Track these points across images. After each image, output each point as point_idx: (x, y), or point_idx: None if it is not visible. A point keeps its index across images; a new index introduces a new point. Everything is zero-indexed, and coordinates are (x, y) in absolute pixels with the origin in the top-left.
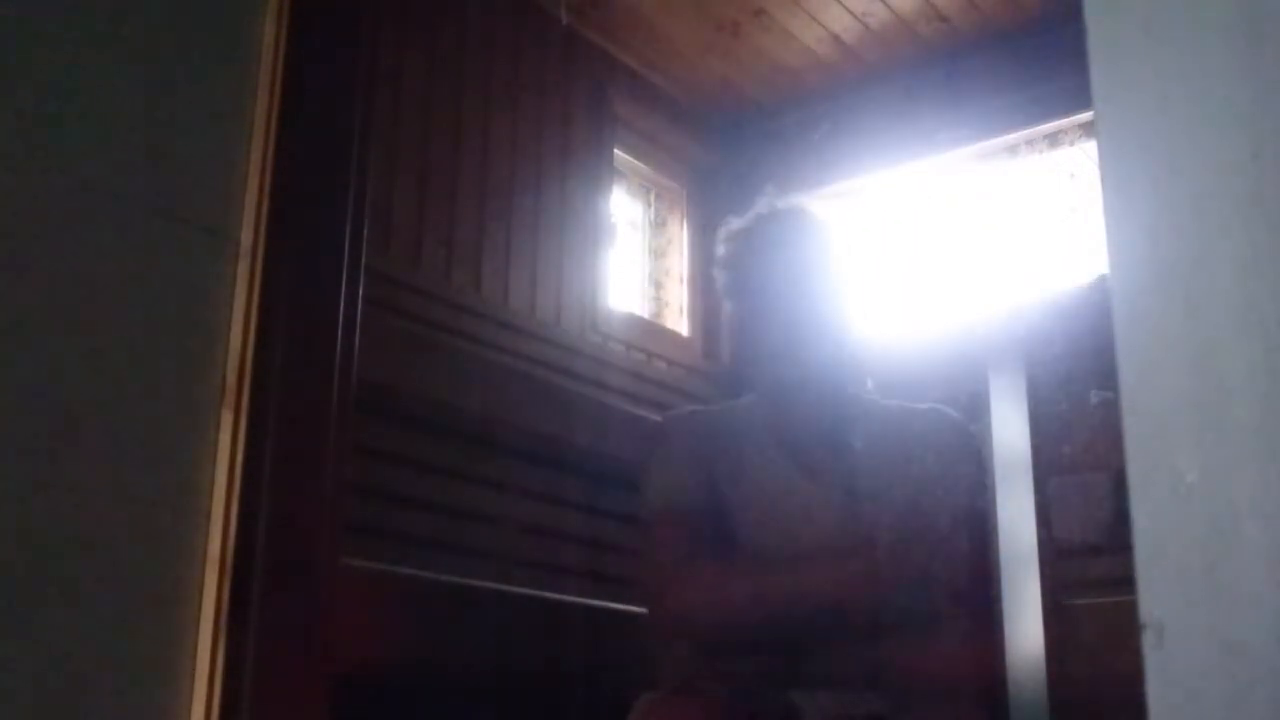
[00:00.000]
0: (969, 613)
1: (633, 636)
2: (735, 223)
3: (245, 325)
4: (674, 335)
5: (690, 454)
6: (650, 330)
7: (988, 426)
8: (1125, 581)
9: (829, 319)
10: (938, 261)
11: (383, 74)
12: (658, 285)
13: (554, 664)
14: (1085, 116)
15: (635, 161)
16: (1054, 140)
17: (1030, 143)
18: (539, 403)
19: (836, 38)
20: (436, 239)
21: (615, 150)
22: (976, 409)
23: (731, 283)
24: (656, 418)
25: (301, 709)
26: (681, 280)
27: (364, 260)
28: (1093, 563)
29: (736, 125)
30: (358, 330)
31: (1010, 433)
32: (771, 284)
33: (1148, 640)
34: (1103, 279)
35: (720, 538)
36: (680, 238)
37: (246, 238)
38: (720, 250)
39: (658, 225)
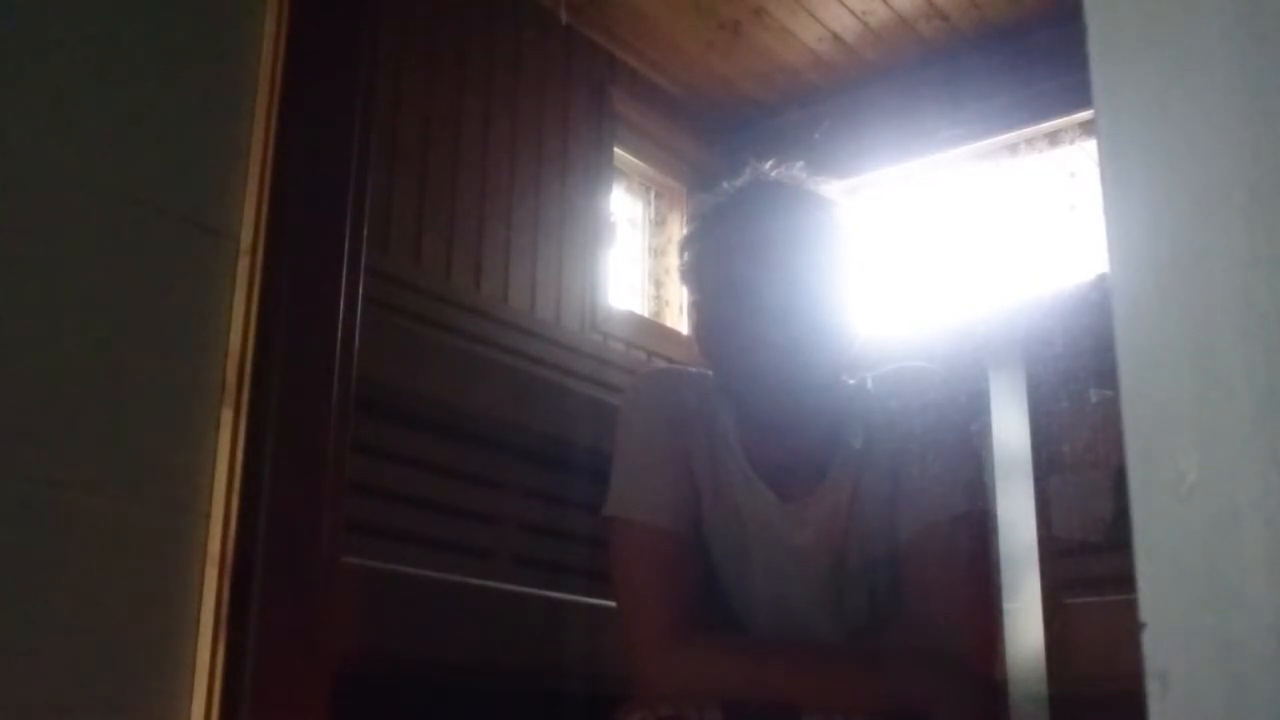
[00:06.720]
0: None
1: None
2: (709, 199)
3: (245, 325)
4: (674, 333)
5: (669, 447)
6: (650, 328)
7: (988, 426)
8: (1125, 580)
9: (813, 313)
10: (938, 260)
11: (383, 73)
12: (657, 284)
13: (554, 663)
14: (1085, 115)
15: (635, 160)
16: (1054, 139)
17: (1030, 141)
18: (539, 401)
19: (836, 36)
20: (436, 239)
21: (615, 149)
22: (976, 409)
23: (694, 262)
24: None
25: (301, 709)
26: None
27: (364, 260)
28: (1093, 562)
29: (736, 124)
30: (358, 330)
31: (1010, 432)
32: (740, 264)
33: (1146, 640)
34: (1102, 278)
35: (696, 567)
36: (680, 236)
37: (246, 237)
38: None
39: (658, 224)
